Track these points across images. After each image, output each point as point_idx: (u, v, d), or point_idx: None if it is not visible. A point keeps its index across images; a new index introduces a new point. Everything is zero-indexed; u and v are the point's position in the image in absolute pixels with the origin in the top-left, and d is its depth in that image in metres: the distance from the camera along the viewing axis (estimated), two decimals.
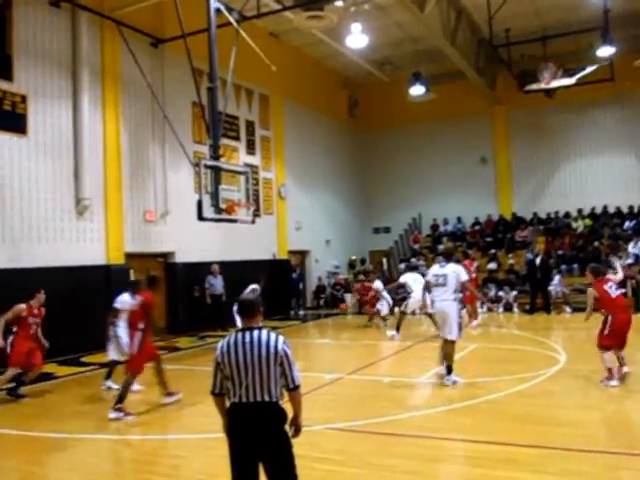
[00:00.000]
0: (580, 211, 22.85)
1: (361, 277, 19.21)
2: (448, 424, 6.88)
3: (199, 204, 12.74)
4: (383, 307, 16.13)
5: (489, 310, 18.83)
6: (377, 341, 13.84)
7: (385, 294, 16.19)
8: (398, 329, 13.80)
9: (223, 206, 13.20)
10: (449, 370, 8.90)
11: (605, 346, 8.35)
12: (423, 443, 6.29)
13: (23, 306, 9.37)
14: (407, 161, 25.58)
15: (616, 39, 18.53)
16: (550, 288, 18.22)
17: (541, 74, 19.41)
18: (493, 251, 22.11)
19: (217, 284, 16.11)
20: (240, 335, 3.81)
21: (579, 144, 23.31)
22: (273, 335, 3.82)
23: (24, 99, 12.69)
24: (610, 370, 8.29)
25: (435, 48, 19.11)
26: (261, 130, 20.31)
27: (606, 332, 8.38)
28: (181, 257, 16.36)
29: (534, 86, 20.04)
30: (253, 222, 14.81)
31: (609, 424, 6.69)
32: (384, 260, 23.64)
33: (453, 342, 8.94)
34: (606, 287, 8.54)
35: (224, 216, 13.38)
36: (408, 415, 7.39)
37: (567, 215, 23.10)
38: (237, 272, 16.30)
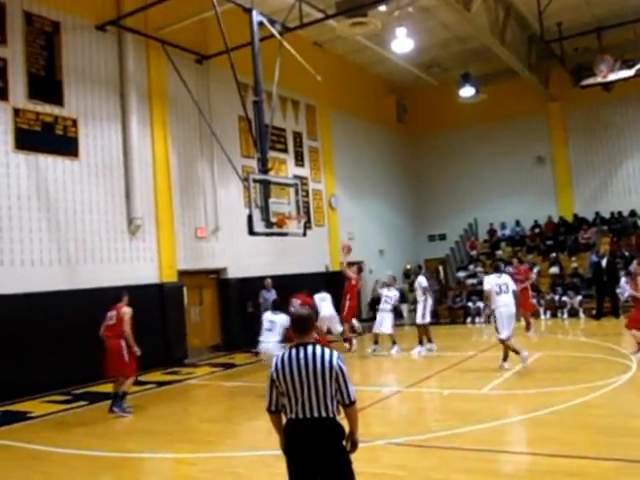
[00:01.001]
0: None
1: None
2: (512, 437, 6.75)
3: (249, 219, 12.89)
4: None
5: (552, 316, 18.41)
6: (436, 352, 13.67)
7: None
8: (421, 342, 13.78)
9: (273, 220, 13.31)
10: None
11: None
12: (486, 457, 6.18)
13: (130, 310, 9.64)
14: (460, 165, 25.32)
15: None
16: (618, 291, 17.67)
17: (597, 67, 18.94)
18: (554, 254, 21.62)
19: (271, 298, 16.22)
20: (294, 351, 3.82)
21: None
22: (328, 350, 3.83)
23: (75, 123, 13.15)
24: None
25: (484, 47, 18.91)
26: (309, 141, 20.47)
27: None
28: (233, 272, 16.58)
29: (590, 80, 19.58)
30: (304, 235, 14.87)
31: None
32: (440, 268, 23.39)
33: None
34: None
35: (275, 230, 13.50)
36: (470, 428, 7.28)
37: (632, 214, 22.37)
38: (290, 286, 16.40)
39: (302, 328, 3.92)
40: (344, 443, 3.81)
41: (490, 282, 10.94)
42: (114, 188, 13.86)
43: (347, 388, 3.77)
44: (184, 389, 11.84)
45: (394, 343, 13.90)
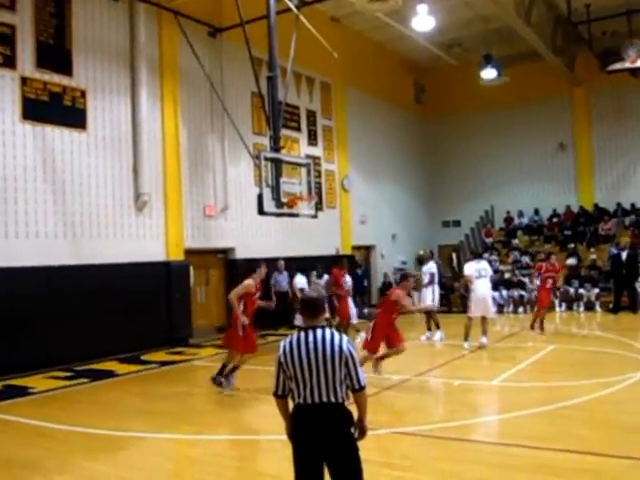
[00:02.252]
0: None
1: None
2: (523, 430, 6.76)
3: (259, 198, 12.90)
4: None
5: (568, 309, 18.37)
6: (448, 341, 13.69)
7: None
8: (438, 327, 13.83)
9: (284, 200, 13.32)
10: None
11: None
12: (495, 450, 6.21)
13: (252, 282, 9.33)
14: (478, 150, 25.17)
15: None
16: (637, 285, 17.60)
17: (626, 52, 18.68)
18: (573, 245, 21.52)
19: (283, 281, 16.25)
20: (303, 334, 3.84)
21: None
22: (337, 335, 3.85)
23: (83, 94, 13.15)
24: None
25: (507, 27, 18.66)
26: (323, 120, 20.38)
27: None
28: (241, 253, 16.61)
29: (618, 65, 19.33)
30: (315, 216, 14.88)
31: None
32: (453, 255, 23.33)
33: None
34: None
35: (285, 210, 13.51)
36: (480, 420, 7.31)
37: None
38: (299, 268, 16.45)
39: (312, 311, 3.93)
40: (352, 429, 3.83)
41: (470, 267, 12.58)
42: (122, 162, 13.88)
43: (357, 373, 3.79)
44: (188, 370, 11.94)
45: (437, 327, 13.80)
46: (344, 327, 12.88)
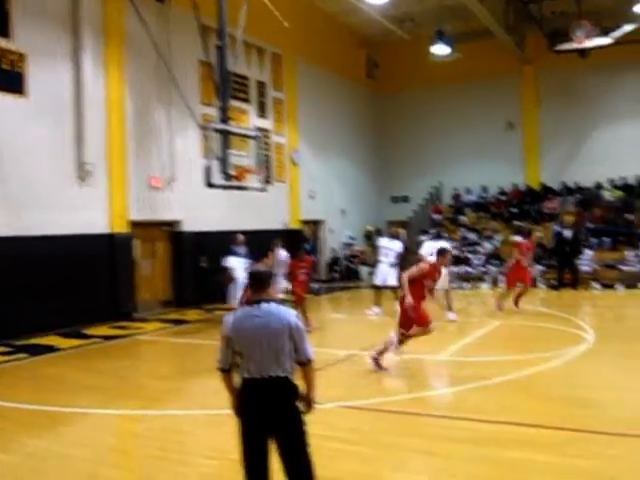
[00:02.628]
0: (612, 181, 22.59)
1: None
2: (466, 404, 6.96)
3: (207, 170, 12.79)
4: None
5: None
6: (394, 316, 13.87)
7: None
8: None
9: (232, 172, 13.25)
10: None
11: None
12: (439, 423, 6.37)
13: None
14: (428, 126, 25.36)
15: None
16: (578, 262, 18.16)
17: (574, 33, 19.03)
18: (519, 223, 22.01)
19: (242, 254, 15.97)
20: (250, 308, 3.86)
21: (613, 109, 22.89)
22: (284, 308, 3.88)
23: (23, 58, 12.67)
24: None
25: (460, 4, 18.76)
26: (273, 91, 20.21)
27: None
28: (188, 226, 16.43)
29: (566, 46, 19.68)
30: (264, 190, 14.84)
31: (637, 407, 6.72)
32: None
33: None
34: None
35: (233, 183, 13.44)
36: (425, 394, 7.48)
37: (598, 186, 22.85)
38: (249, 243, 16.36)
39: (259, 284, 3.94)
40: (299, 403, 3.87)
41: (428, 246, 12.85)
42: (64, 130, 13.48)
43: (304, 346, 3.82)
44: (132, 344, 11.82)
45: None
46: (301, 307, 12.19)
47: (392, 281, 13.42)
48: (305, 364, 3.86)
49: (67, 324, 12.72)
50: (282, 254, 13.65)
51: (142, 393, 8.00)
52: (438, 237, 13.76)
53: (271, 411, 3.76)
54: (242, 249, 15.73)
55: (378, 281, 14.08)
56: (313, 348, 3.91)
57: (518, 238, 15.28)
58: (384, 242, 14.48)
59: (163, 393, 8.09)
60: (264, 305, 3.83)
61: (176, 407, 7.49)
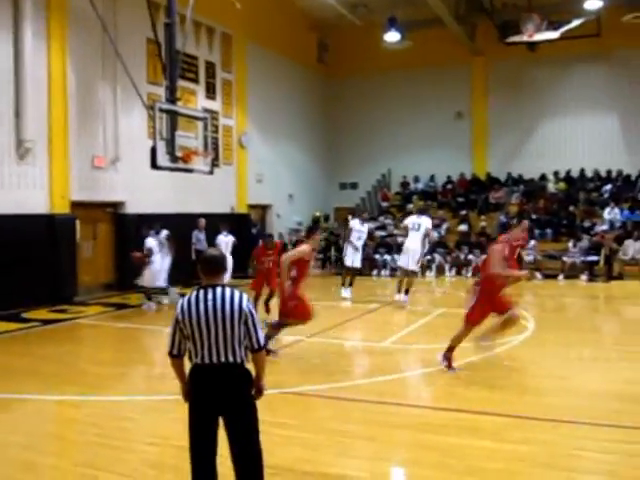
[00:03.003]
0: (556, 173, 23.22)
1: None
2: (410, 390, 7.11)
3: (153, 151, 12.60)
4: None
5: (457, 274, 19.23)
6: (340, 302, 14.02)
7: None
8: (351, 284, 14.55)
9: (179, 154, 13.09)
10: None
11: None
12: (383, 409, 6.49)
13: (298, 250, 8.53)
14: (378, 113, 25.51)
15: None
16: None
17: (524, 25, 19.40)
18: (464, 212, 22.43)
19: (203, 239, 15.71)
20: (202, 292, 3.82)
21: (560, 102, 23.50)
22: (237, 293, 3.86)
23: None
24: None
25: None
26: (222, 73, 19.98)
27: None
28: (132, 207, 16.18)
29: (516, 38, 20.07)
30: (211, 172, 14.72)
31: (575, 394, 6.98)
32: (349, 217, 23.71)
33: None
34: None
35: (180, 165, 13.29)
36: (369, 380, 7.59)
37: (543, 177, 23.46)
38: (193, 226, 16.21)
39: (213, 269, 3.92)
40: (250, 389, 3.89)
41: (409, 220, 13.46)
42: (2, 105, 13.04)
43: (256, 332, 3.83)
44: (72, 329, 11.61)
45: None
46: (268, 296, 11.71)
47: (357, 263, 14.58)
48: (256, 351, 3.87)
49: (5, 307, 12.39)
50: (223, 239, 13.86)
51: (82, 379, 7.88)
52: (421, 212, 13.87)
53: (222, 397, 3.76)
54: (203, 233, 15.47)
55: (348, 262, 14.54)
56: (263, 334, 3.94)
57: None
58: (357, 225, 14.78)
59: (104, 379, 7.99)
60: (218, 289, 3.82)
61: (117, 393, 7.41)
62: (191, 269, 10.91)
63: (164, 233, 13.64)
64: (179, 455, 5.26)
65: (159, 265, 13.31)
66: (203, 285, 3.89)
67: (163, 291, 13.72)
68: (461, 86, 24.67)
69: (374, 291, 16.29)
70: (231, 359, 3.77)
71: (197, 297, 3.82)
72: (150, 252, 13.10)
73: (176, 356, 3.91)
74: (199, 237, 15.60)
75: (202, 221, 15.72)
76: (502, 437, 5.54)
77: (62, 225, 14.13)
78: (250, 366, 3.94)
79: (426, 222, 13.21)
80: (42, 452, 5.56)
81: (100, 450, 5.45)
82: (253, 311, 3.86)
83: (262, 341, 3.88)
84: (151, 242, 13.18)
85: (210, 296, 3.79)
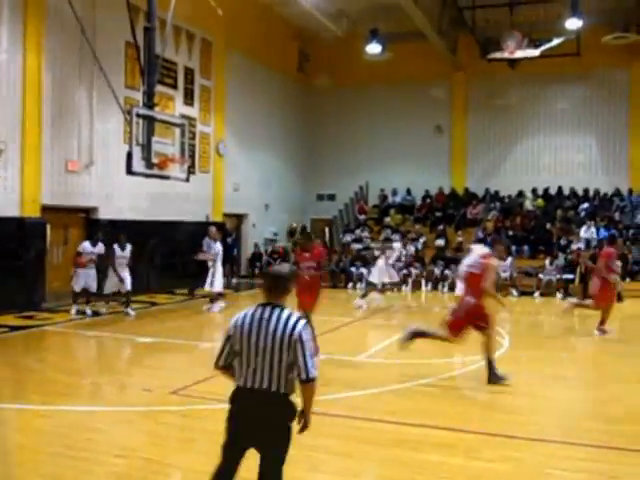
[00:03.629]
0: (534, 191, 23.51)
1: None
2: (384, 406, 7.11)
3: (129, 156, 12.53)
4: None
5: (434, 289, 19.33)
6: (316, 316, 13.98)
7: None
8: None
9: (155, 160, 13.02)
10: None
11: None
12: (356, 424, 6.49)
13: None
14: (357, 125, 25.66)
15: (585, 12, 19.00)
16: (498, 270, 18.78)
17: (505, 42, 19.70)
18: (442, 227, 22.57)
19: (217, 249, 15.06)
20: (260, 311, 3.69)
21: (538, 120, 23.89)
22: (294, 316, 3.68)
23: None
24: None
25: (396, 4, 19.05)
26: (201, 79, 19.96)
27: None
28: (105, 213, 16.05)
29: (497, 54, 20.35)
30: (187, 180, 14.66)
31: (548, 412, 7.05)
32: (326, 229, 23.81)
33: None
34: None
35: (156, 171, 13.22)
36: (342, 395, 7.59)
37: (520, 194, 23.73)
38: (168, 234, 16.14)
39: (277, 287, 3.75)
40: (293, 422, 3.73)
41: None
42: None
43: (306, 362, 3.60)
44: (40, 336, 11.44)
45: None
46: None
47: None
48: (304, 382, 3.65)
49: None
50: (216, 246, 13.92)
51: (49, 388, 7.76)
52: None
53: (255, 427, 3.63)
54: (217, 244, 14.64)
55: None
56: (316, 365, 3.73)
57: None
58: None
59: (72, 388, 7.89)
60: (276, 310, 3.67)
61: (85, 403, 7.31)
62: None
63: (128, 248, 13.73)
64: (146, 467, 5.23)
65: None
66: (262, 302, 3.74)
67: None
68: (441, 101, 24.93)
69: (349, 305, 16.31)
70: (274, 387, 3.60)
71: (253, 315, 3.68)
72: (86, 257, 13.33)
73: (221, 367, 3.79)
74: (212, 246, 14.60)
75: (213, 229, 14.92)
76: (476, 454, 5.58)
77: (32, 229, 13.97)
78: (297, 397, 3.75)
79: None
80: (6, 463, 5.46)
81: (67, 462, 5.38)
82: (305, 338, 3.61)
83: (312, 373, 3.62)
84: (86, 246, 13.29)
85: (266, 315, 3.65)
